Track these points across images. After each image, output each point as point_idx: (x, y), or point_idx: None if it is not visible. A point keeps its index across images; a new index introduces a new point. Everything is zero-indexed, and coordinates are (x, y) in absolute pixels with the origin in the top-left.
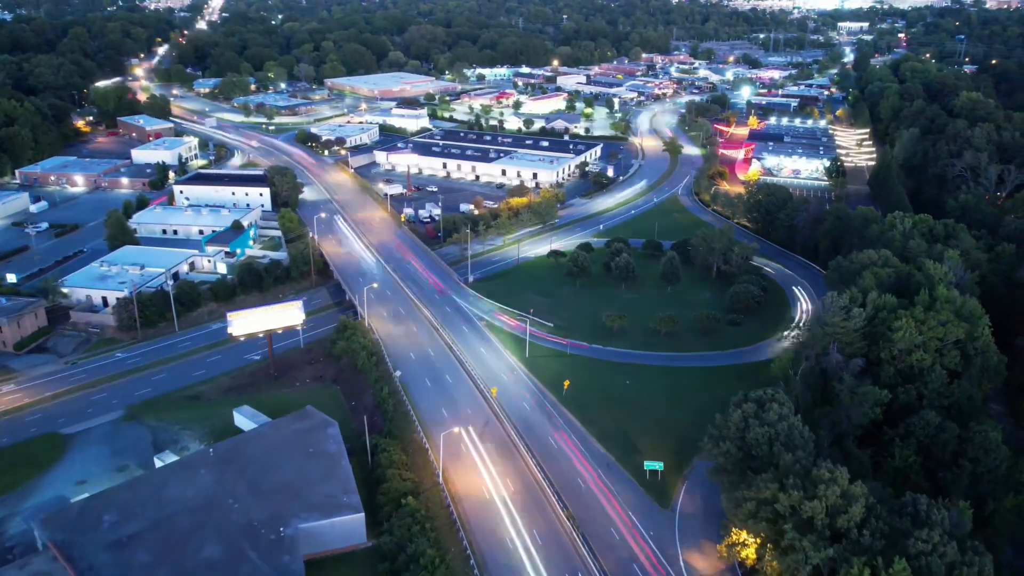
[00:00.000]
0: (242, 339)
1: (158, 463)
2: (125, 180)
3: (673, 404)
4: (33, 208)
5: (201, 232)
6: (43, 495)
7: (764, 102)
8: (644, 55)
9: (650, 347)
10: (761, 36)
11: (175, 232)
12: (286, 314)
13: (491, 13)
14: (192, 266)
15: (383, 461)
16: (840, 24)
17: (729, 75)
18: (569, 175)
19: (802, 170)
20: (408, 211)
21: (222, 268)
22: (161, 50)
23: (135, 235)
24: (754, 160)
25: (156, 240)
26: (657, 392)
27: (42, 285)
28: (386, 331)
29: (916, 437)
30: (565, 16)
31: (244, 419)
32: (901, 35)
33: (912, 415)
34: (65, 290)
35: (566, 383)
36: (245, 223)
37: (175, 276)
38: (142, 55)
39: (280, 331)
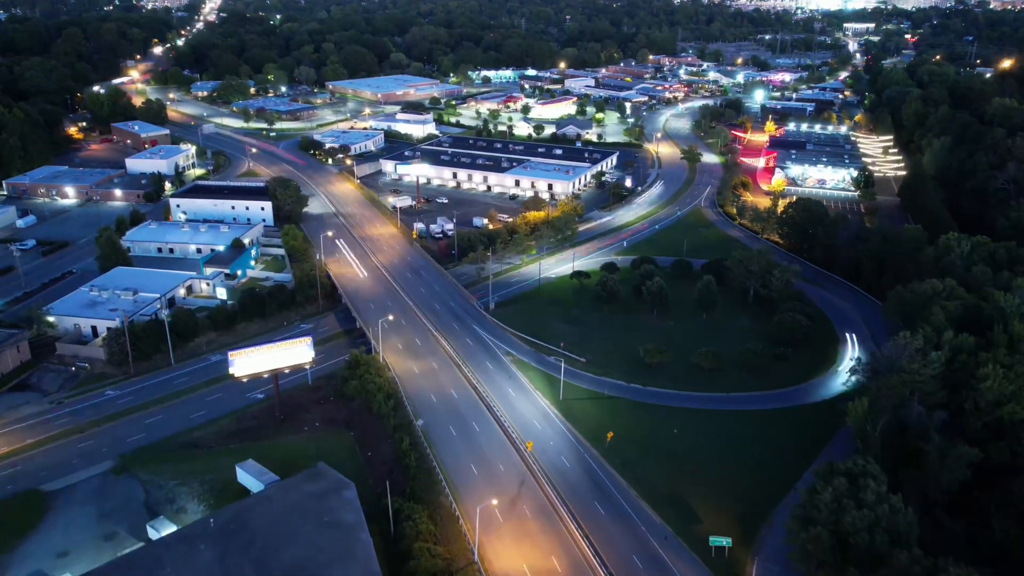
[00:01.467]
0: (245, 380)
1: (152, 533)
2: (118, 192)
3: (728, 457)
4: (20, 223)
5: (199, 251)
6: (18, 572)
7: (779, 106)
8: (651, 57)
9: (693, 385)
10: (767, 37)
11: (171, 251)
12: (294, 352)
13: (493, 13)
14: (189, 289)
15: (408, 531)
16: (846, 25)
17: (739, 78)
18: (585, 185)
19: (828, 180)
20: (419, 226)
21: (221, 293)
22: (158, 51)
23: (128, 254)
24: (777, 169)
25: (151, 259)
26: (708, 442)
27: (26, 313)
28: (403, 367)
29: (1016, 504)
30: (568, 17)
31: (248, 477)
32: (908, 36)
33: (1008, 476)
34: (51, 319)
35: (609, 435)
36: (246, 241)
37: (171, 302)
38: (138, 56)
39: (287, 371)
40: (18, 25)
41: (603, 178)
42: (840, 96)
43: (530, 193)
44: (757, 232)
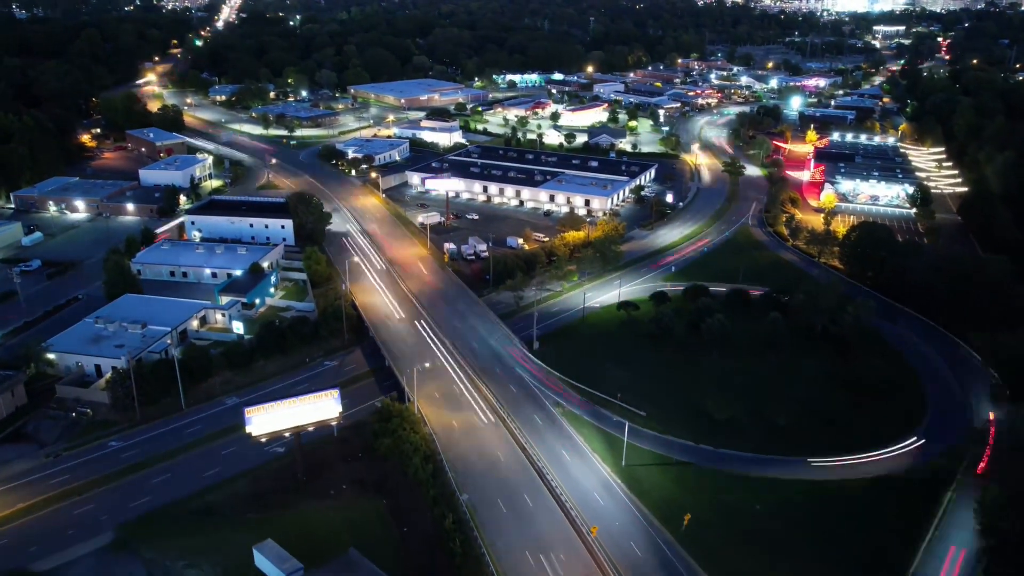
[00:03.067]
0: (263, 440)
1: None
2: (131, 206)
3: (821, 539)
4: (26, 241)
5: (214, 275)
6: None
7: (818, 114)
8: (679, 60)
9: (770, 446)
10: (796, 40)
11: (184, 275)
12: (318, 407)
13: (515, 15)
14: (203, 320)
15: None
16: (875, 27)
17: (773, 83)
18: (623, 200)
19: (880, 196)
20: (450, 247)
21: (238, 327)
22: (176, 53)
23: (139, 277)
24: (827, 184)
25: (162, 284)
26: (797, 523)
27: (24, 350)
28: (440, 421)
29: None
30: (592, 19)
31: (267, 563)
32: (940, 39)
33: None
34: (51, 356)
35: (687, 517)
36: (265, 265)
37: (182, 335)
38: (156, 58)
39: (311, 428)
40: (37, 26)
41: (642, 193)
42: (879, 103)
43: (565, 209)
44: (813, 256)
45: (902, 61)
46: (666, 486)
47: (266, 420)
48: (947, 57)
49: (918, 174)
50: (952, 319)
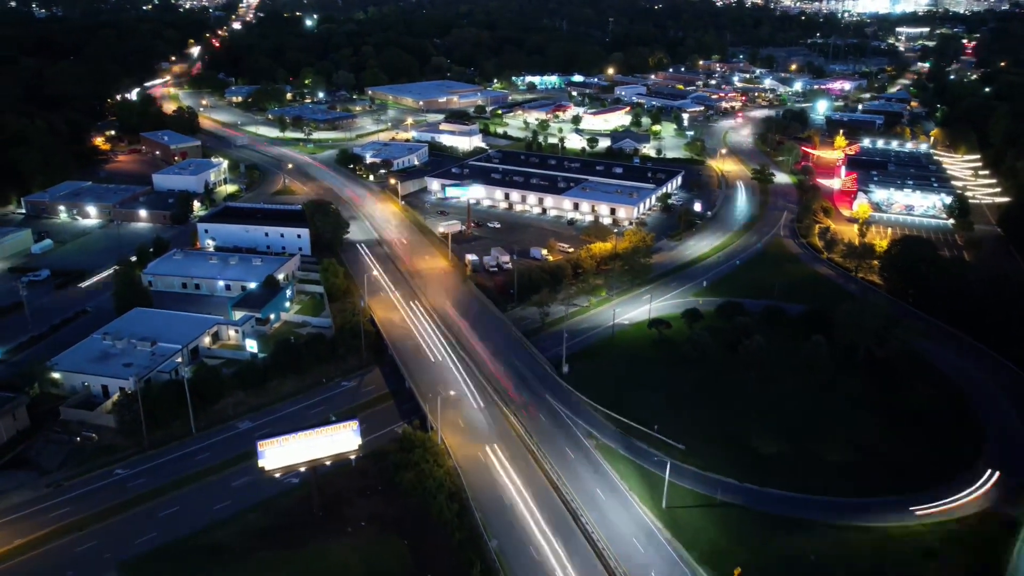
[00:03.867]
0: (277, 475)
1: None
2: (143, 212)
3: None
4: (35, 248)
5: (228, 287)
6: None
7: (846, 118)
8: (701, 62)
9: (819, 485)
10: (819, 41)
11: (197, 287)
12: (336, 440)
13: (534, 15)
14: (216, 337)
15: None
16: (898, 29)
17: (797, 86)
18: (650, 209)
19: (916, 206)
20: (471, 258)
21: (251, 345)
22: (193, 52)
23: (150, 288)
24: (860, 193)
25: (174, 296)
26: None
27: (27, 369)
28: (465, 454)
29: None
30: (611, 19)
31: None
32: (965, 41)
33: None
34: (56, 375)
35: (737, 572)
36: (280, 277)
37: (194, 352)
38: (173, 58)
39: (328, 463)
40: (55, 25)
41: (669, 201)
42: (907, 108)
43: (590, 218)
44: (850, 269)
45: (927, 63)
46: (711, 532)
47: (280, 453)
48: (973, 59)
49: (954, 183)
50: (1005, 340)
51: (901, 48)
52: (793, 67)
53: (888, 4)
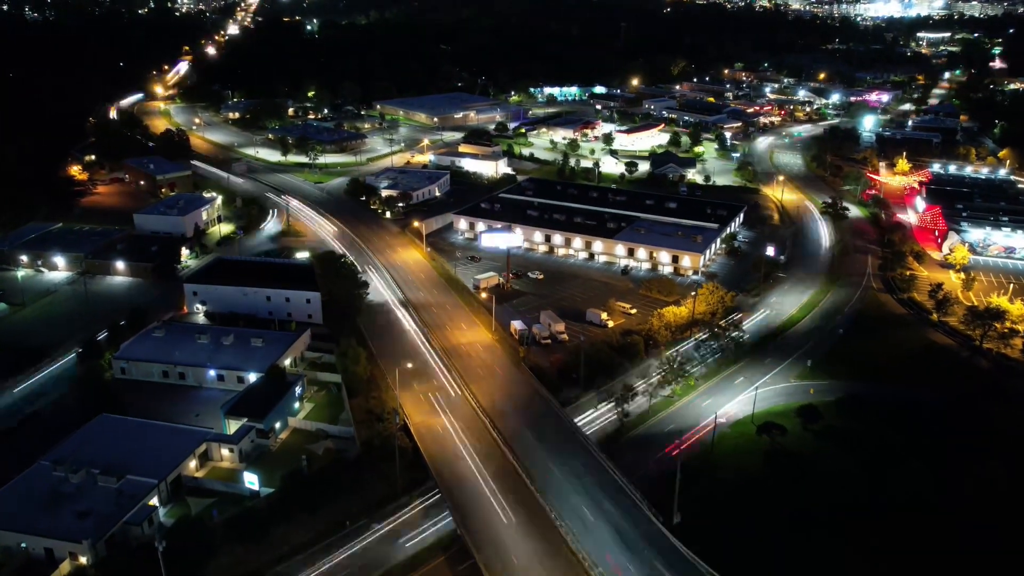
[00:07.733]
0: None
1: None
2: (120, 264)
3: None
4: None
5: (221, 377)
6: None
7: (899, 136)
8: (726, 71)
9: None
10: (841, 47)
11: (181, 375)
12: None
13: (542, 19)
14: (206, 457)
15: None
16: (919, 34)
17: (834, 98)
18: (715, 254)
19: (1018, 248)
20: (518, 326)
21: (251, 481)
22: (187, 62)
23: (124, 376)
24: (951, 232)
25: (152, 387)
26: None
27: None
28: None
29: None
30: (623, 23)
31: None
32: (987, 45)
33: None
34: None
35: None
36: (287, 363)
37: (175, 484)
38: (166, 67)
39: None
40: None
41: (735, 243)
42: (959, 123)
43: (646, 265)
44: (974, 339)
45: (957, 71)
46: None
47: None
48: (1005, 66)
49: None
50: None
51: (926, 54)
52: (821, 76)
53: (900, 8)
